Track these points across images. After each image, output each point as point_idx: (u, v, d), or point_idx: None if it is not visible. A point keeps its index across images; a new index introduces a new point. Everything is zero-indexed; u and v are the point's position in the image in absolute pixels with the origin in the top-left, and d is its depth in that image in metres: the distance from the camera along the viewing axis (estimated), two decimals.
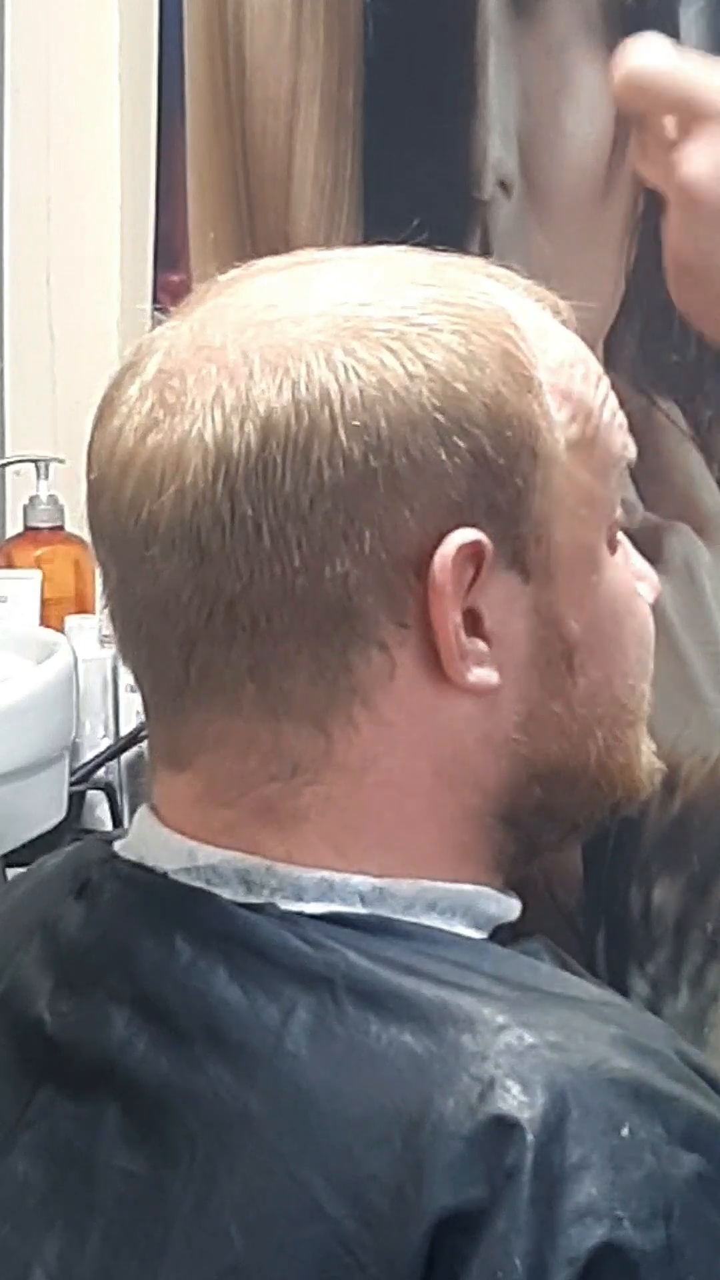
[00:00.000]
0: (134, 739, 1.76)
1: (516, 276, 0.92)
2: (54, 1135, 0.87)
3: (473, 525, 0.84)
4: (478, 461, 0.85)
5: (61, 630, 1.79)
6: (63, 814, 1.61)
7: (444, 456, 0.84)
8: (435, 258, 0.91)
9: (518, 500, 0.86)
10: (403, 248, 0.91)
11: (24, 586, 1.85)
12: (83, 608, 1.89)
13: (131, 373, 0.88)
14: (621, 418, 0.91)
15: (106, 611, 0.91)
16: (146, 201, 1.96)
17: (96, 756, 1.78)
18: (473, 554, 0.84)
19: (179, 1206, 0.81)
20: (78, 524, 1.87)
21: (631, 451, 0.91)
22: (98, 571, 0.91)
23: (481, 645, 0.86)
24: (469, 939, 0.88)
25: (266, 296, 0.87)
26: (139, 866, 0.90)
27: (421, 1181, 0.77)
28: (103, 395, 0.89)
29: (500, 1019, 0.81)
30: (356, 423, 0.83)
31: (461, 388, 0.84)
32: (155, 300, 1.94)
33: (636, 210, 1.60)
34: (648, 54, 0.98)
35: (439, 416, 0.84)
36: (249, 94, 1.85)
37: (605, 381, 0.91)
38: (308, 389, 0.83)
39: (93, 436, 0.89)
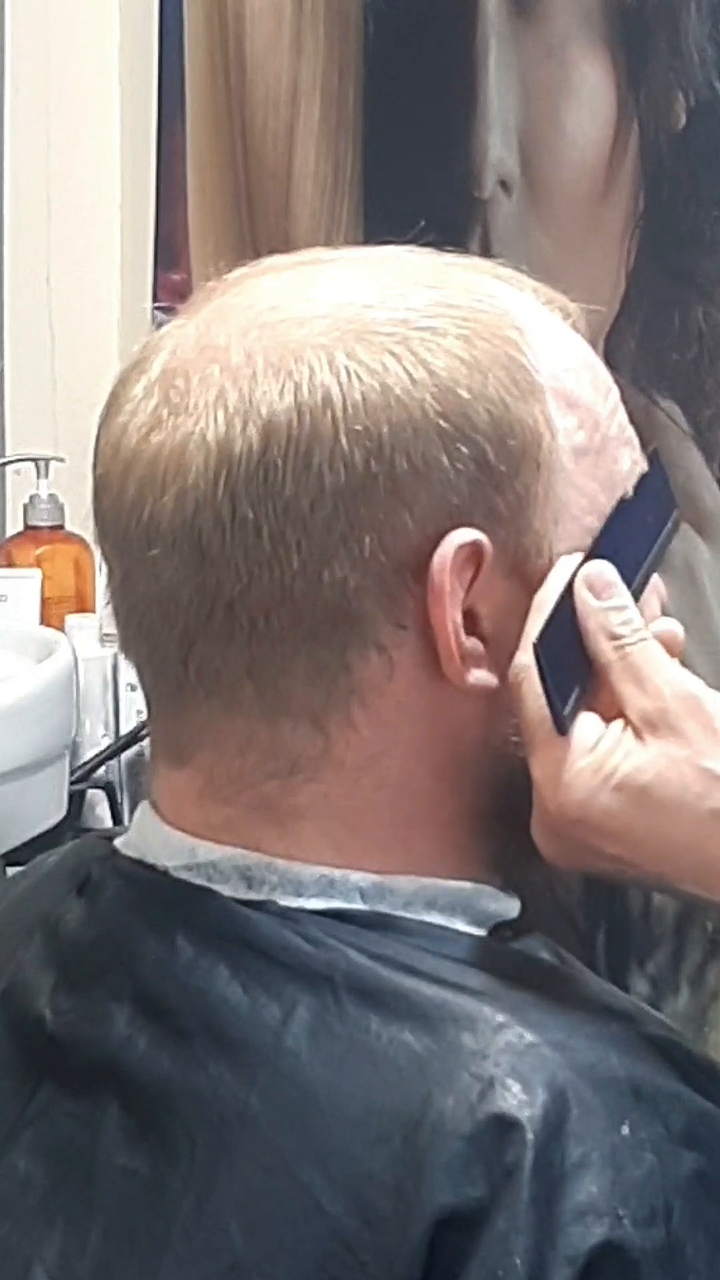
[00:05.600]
0: (134, 738, 1.76)
1: (525, 278, 0.91)
2: (55, 1133, 0.87)
3: (472, 526, 0.84)
4: (480, 468, 0.84)
5: (62, 629, 1.79)
6: (63, 813, 1.62)
7: (446, 462, 0.84)
8: (442, 258, 0.90)
9: (519, 508, 0.85)
10: (409, 248, 0.90)
11: (24, 585, 1.85)
12: (83, 607, 1.89)
13: (137, 371, 0.88)
14: (631, 432, 0.90)
15: (109, 607, 0.91)
16: (146, 201, 1.96)
17: (97, 755, 1.78)
18: (472, 554, 0.84)
19: (179, 1205, 0.81)
20: (78, 523, 1.87)
21: (641, 468, 0.90)
22: (98, 570, 0.91)
23: (480, 646, 0.86)
24: (469, 936, 0.88)
25: (271, 297, 0.87)
26: (140, 863, 0.90)
27: (421, 1180, 0.77)
28: (110, 392, 0.89)
29: (500, 1017, 0.81)
30: (358, 428, 0.83)
31: (464, 394, 0.84)
32: (156, 299, 1.94)
33: (637, 209, 1.60)
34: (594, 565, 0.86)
35: (441, 423, 0.84)
36: (249, 93, 1.84)
37: (615, 393, 0.90)
38: (310, 392, 0.83)
39: (98, 434, 0.89)
